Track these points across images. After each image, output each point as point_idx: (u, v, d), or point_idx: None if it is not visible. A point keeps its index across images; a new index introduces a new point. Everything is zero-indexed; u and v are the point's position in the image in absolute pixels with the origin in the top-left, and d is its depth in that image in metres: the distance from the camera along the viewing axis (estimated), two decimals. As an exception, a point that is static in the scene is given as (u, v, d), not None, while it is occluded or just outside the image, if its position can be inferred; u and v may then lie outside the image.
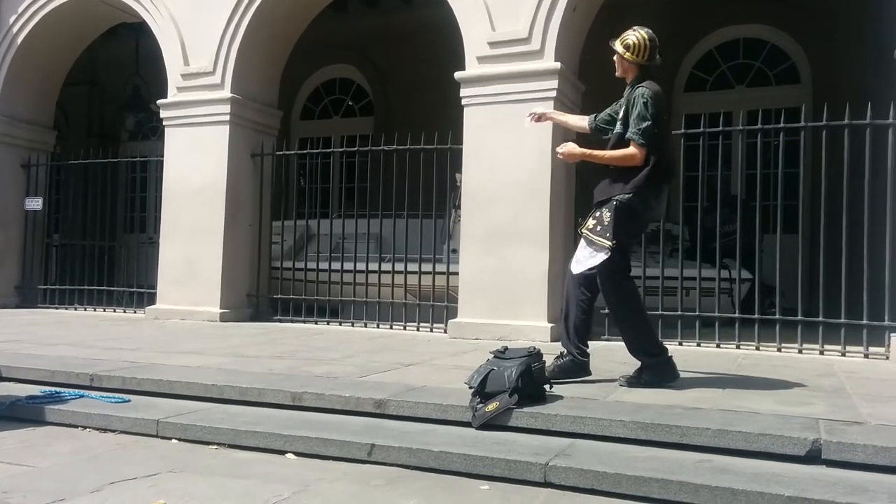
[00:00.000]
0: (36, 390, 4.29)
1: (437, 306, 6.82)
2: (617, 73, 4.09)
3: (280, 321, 7.56)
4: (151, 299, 8.04)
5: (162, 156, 8.08)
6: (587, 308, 4.03)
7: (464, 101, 6.55)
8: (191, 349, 5.42)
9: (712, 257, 6.07)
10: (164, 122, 8.06)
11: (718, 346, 5.74)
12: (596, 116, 4.27)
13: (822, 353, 5.44)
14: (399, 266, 7.02)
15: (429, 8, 8.98)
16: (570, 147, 4.04)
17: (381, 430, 3.42)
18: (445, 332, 6.51)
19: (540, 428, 3.32)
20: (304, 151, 8.56)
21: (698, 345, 5.78)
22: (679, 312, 5.87)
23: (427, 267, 6.89)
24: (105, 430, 3.75)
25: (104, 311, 8.56)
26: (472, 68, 6.55)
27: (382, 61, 11.35)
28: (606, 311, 5.95)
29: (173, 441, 3.58)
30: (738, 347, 5.68)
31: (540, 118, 4.45)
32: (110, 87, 12.69)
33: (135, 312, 8.27)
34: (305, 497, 2.78)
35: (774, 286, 6.16)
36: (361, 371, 4.44)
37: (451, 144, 6.76)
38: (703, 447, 3.03)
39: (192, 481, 2.97)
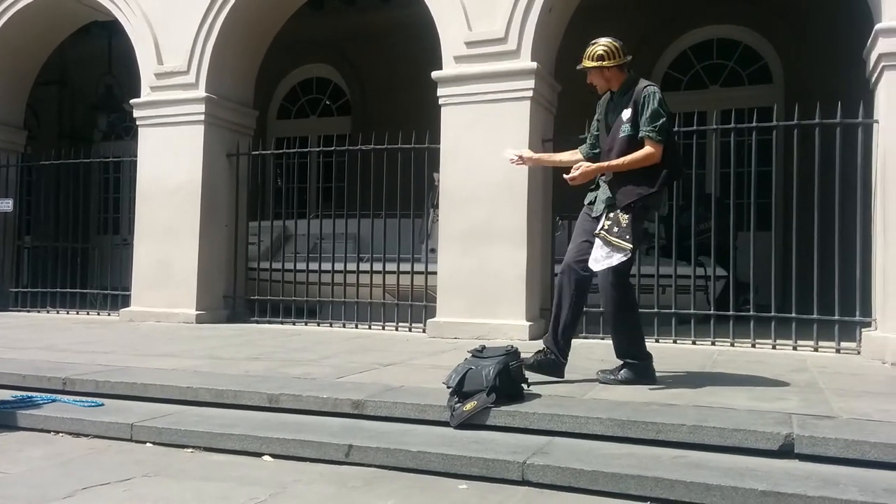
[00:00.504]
0: (7, 395, 4.21)
1: (415, 306, 6.82)
2: (601, 90, 4.06)
3: (257, 322, 7.51)
4: (126, 301, 7.94)
5: (135, 156, 7.97)
6: (578, 311, 4.04)
7: (441, 101, 6.55)
8: (166, 352, 5.36)
9: (688, 255, 6.13)
10: (138, 122, 7.97)
11: (694, 342, 5.80)
12: (585, 147, 4.21)
13: (795, 348, 5.51)
14: (377, 266, 7.00)
15: (406, 7, 8.97)
16: (584, 168, 3.91)
17: (358, 431, 3.41)
18: (424, 331, 6.51)
19: (518, 426, 3.33)
20: (281, 151, 8.51)
21: (674, 342, 5.84)
22: (655, 310, 5.91)
23: (405, 267, 6.88)
24: (78, 435, 3.70)
25: (77, 313, 8.44)
26: (448, 68, 6.55)
27: (359, 60, 11.32)
28: (584, 309, 6.04)
29: (148, 445, 3.54)
30: (713, 344, 5.74)
31: (523, 160, 4.33)
32: (82, 87, 12.51)
33: (109, 315, 8.16)
34: (282, 499, 2.76)
35: (749, 283, 6.21)
36: (339, 372, 4.42)
37: (429, 144, 6.75)
38: (679, 443, 3.06)
39: (167, 485, 2.94)
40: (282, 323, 7.38)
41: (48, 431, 3.76)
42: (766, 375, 4.31)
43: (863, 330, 5.34)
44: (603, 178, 3.98)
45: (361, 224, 7.20)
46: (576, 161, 4.10)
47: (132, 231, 7.95)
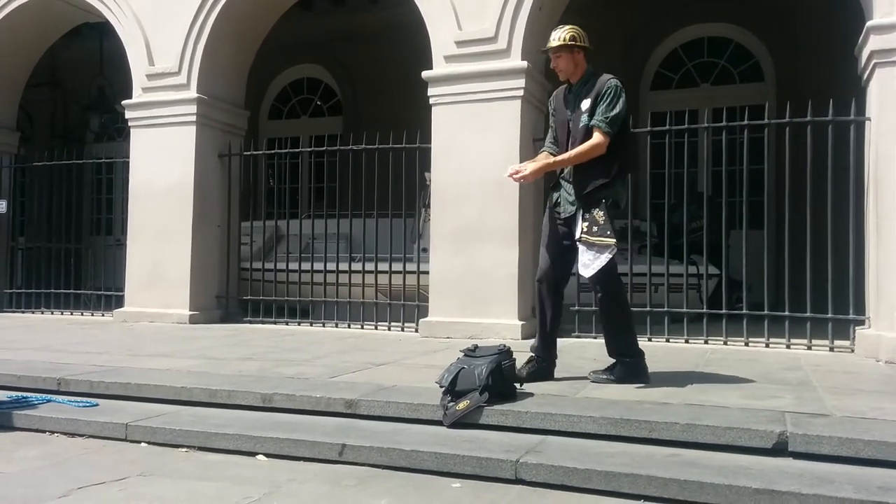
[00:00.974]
0: (2, 395, 4.20)
1: (407, 305, 6.82)
2: (566, 75, 4.02)
3: (250, 322, 7.50)
4: (119, 302, 7.92)
5: (128, 157, 7.96)
6: (559, 313, 4.07)
7: (431, 101, 6.55)
8: (159, 352, 5.35)
9: (680, 253, 6.15)
10: (130, 123, 7.95)
11: (687, 341, 5.82)
12: (551, 147, 4.16)
13: (788, 346, 5.53)
14: (370, 266, 7.00)
15: (395, 7, 8.97)
16: (524, 167, 3.90)
17: (352, 431, 3.41)
18: (416, 331, 6.51)
19: (510, 425, 3.34)
20: (273, 151, 8.50)
21: (667, 340, 5.85)
22: (648, 308, 5.93)
23: (398, 266, 6.88)
24: (73, 435, 3.69)
25: (71, 314, 8.41)
26: (439, 67, 6.55)
27: (350, 61, 11.32)
28: (576, 308, 6.07)
29: (142, 445, 3.54)
30: (706, 342, 5.76)
31: (524, 177, 4.00)
32: (74, 88, 12.47)
33: (102, 315, 8.14)
34: (276, 498, 2.77)
35: (741, 281, 6.25)
36: (332, 371, 4.42)
37: (420, 144, 6.75)
38: (673, 442, 3.07)
39: (161, 485, 2.94)
40: (275, 323, 7.37)
41: (43, 431, 3.76)
42: (759, 373, 4.33)
43: (856, 328, 5.35)
44: (562, 176, 3.98)
45: (354, 224, 7.20)
46: (564, 160, 4.00)
47: (125, 232, 7.92)
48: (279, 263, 7.52)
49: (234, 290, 7.82)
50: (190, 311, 7.42)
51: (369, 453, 3.18)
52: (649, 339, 5.82)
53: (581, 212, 3.85)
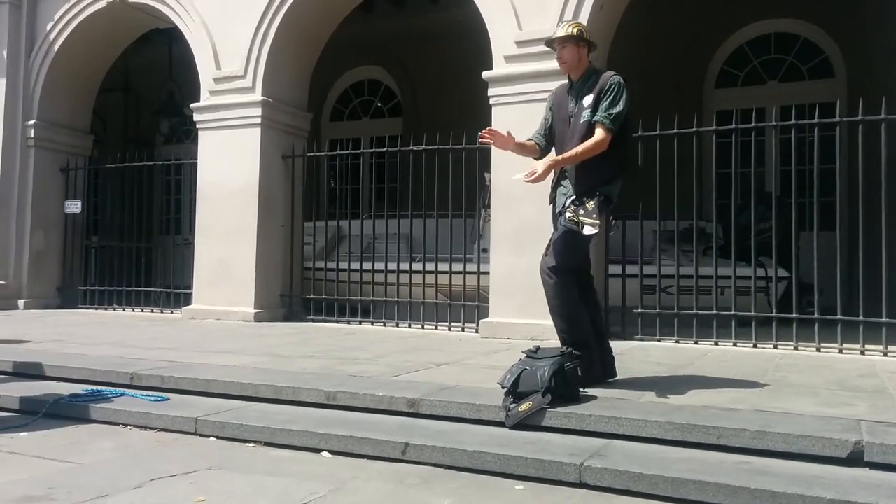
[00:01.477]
0: (78, 389, 4.38)
1: (468, 306, 6.83)
2: (569, 68, 3.98)
3: (313, 321, 7.63)
4: (188, 300, 8.16)
5: (196, 159, 8.20)
6: (596, 308, 4.04)
7: (492, 101, 6.54)
8: (226, 349, 5.50)
9: (747, 255, 5.99)
10: (198, 126, 8.18)
11: (755, 345, 5.66)
12: (541, 140, 4.13)
13: (862, 352, 5.33)
14: (430, 266, 7.03)
15: (456, 8, 8.99)
16: (536, 167, 3.80)
17: (414, 429, 3.44)
18: (477, 331, 6.52)
19: (573, 428, 3.31)
20: (335, 153, 8.63)
21: (734, 344, 5.70)
22: (714, 312, 5.80)
23: (458, 266, 6.90)
24: (145, 428, 3.82)
25: (142, 311, 8.72)
26: (499, 68, 6.54)
27: (410, 62, 11.40)
28: (639, 311, 5.97)
29: (211, 439, 3.64)
30: (775, 347, 5.59)
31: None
32: (145, 93, 12.93)
33: (172, 313, 8.41)
34: (341, 495, 2.81)
35: (812, 284, 6.03)
36: (394, 370, 4.46)
37: (480, 144, 6.73)
38: (741, 449, 2.99)
39: (230, 479, 3.02)
40: (336, 322, 7.49)
41: (118, 424, 3.90)
42: (832, 380, 4.19)
43: (934, 333, 5.13)
44: (566, 174, 3.93)
45: (414, 224, 7.24)
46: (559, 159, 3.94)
47: (193, 231, 8.17)
48: (341, 263, 7.63)
49: (298, 289, 7.96)
50: (255, 309, 7.59)
51: (432, 453, 3.19)
52: (715, 343, 5.69)
53: (571, 199, 3.83)
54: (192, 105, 8.22)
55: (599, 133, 3.78)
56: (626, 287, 6.13)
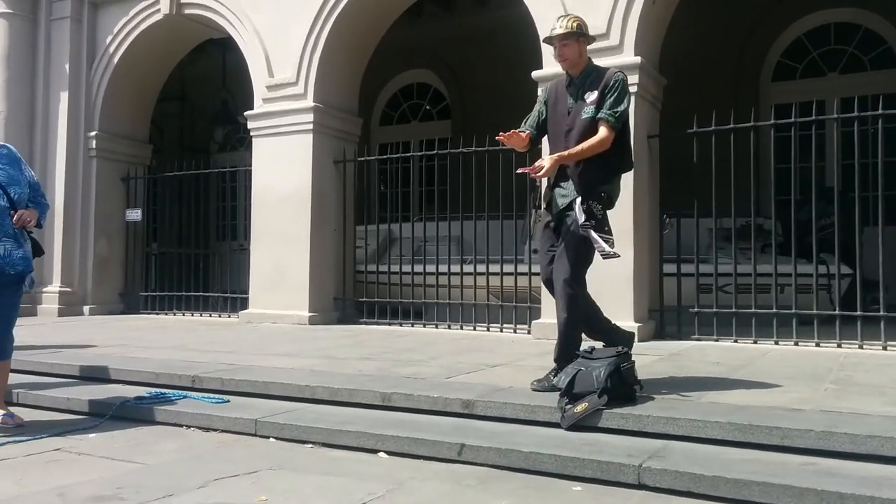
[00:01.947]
0: (143, 392, 4.53)
1: (520, 307, 6.80)
2: (570, 65, 3.91)
3: (366, 323, 7.71)
4: (244, 304, 8.33)
5: (250, 165, 8.36)
6: (594, 310, 4.05)
7: (543, 101, 6.50)
8: (283, 352, 5.60)
9: (808, 252, 5.82)
10: (251, 133, 8.35)
11: (818, 345, 5.49)
12: (533, 133, 4.08)
13: (931, 351, 5.13)
14: (481, 268, 7.03)
15: (504, 8, 8.98)
16: (541, 163, 3.75)
17: (469, 431, 3.44)
18: (529, 332, 6.48)
19: (631, 429, 3.28)
20: (385, 157, 8.70)
21: (796, 344, 5.54)
22: (774, 310, 5.65)
23: (509, 268, 6.88)
24: (207, 430, 3.92)
25: (200, 315, 8.94)
26: (549, 67, 6.49)
27: (458, 64, 11.42)
28: (695, 310, 5.86)
29: (271, 440, 3.71)
30: (839, 346, 5.41)
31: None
32: (200, 102, 13.25)
33: (229, 317, 8.60)
34: (399, 495, 2.83)
35: (877, 281, 5.82)
36: (448, 372, 4.48)
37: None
38: (806, 450, 2.92)
39: (291, 479, 3.07)
40: (389, 324, 7.54)
41: (180, 426, 4.01)
42: (899, 379, 4.04)
43: None
44: (566, 175, 3.86)
45: (465, 226, 7.25)
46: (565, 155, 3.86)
47: (248, 237, 8.34)
48: (393, 266, 7.69)
49: (351, 292, 8.05)
50: (309, 312, 7.70)
51: (488, 454, 3.20)
52: (776, 342, 5.55)
53: (578, 201, 3.76)
54: (247, 113, 8.39)
55: (604, 131, 3.75)
56: (682, 286, 6.02)
